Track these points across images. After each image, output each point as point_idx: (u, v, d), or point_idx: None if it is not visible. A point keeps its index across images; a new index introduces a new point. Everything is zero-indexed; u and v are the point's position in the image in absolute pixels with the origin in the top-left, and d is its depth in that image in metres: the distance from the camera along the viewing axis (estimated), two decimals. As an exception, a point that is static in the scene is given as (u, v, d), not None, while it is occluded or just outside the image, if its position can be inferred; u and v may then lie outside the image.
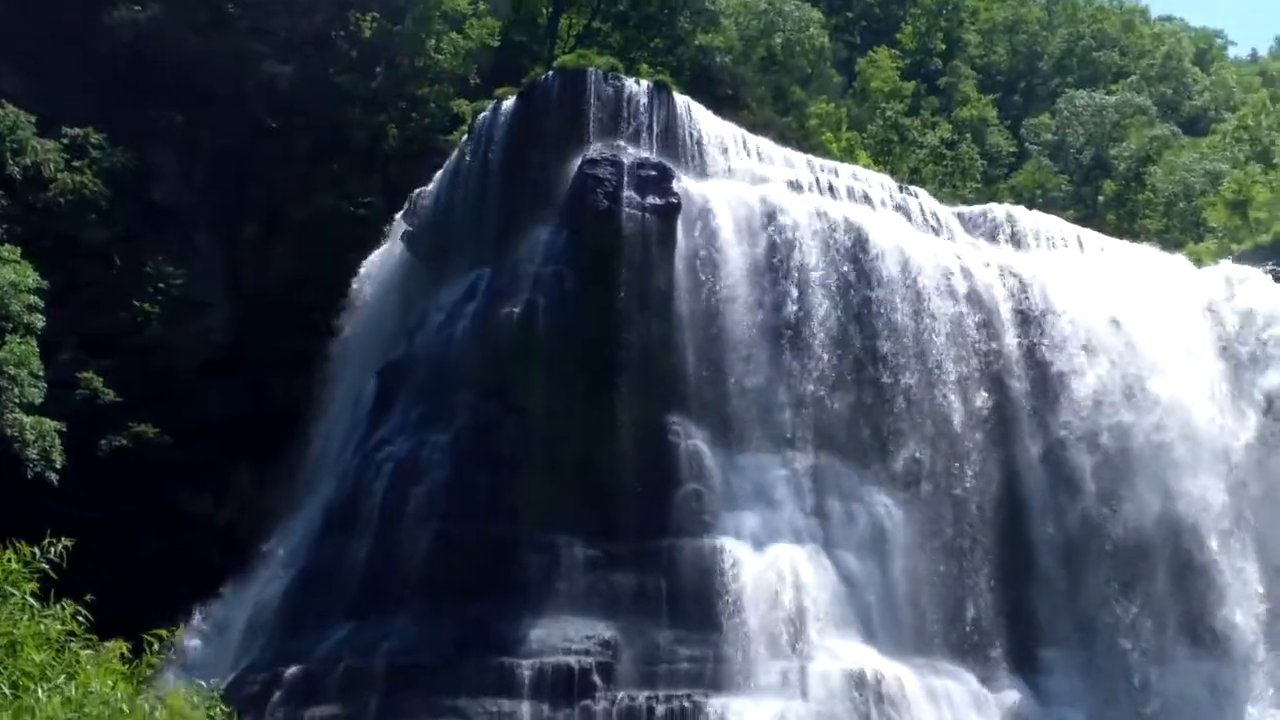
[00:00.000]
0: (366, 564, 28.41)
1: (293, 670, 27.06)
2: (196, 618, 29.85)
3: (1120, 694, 29.78)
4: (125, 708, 11.62)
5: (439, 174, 35.37)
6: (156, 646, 12.53)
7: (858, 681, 27.12)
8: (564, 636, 27.22)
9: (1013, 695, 29.06)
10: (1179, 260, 38.59)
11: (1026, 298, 33.79)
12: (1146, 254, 38.63)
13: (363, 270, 35.93)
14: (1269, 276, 36.04)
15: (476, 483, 28.98)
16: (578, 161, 31.92)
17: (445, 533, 28.36)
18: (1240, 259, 38.61)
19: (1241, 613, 30.68)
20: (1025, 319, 33.42)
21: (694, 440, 30.23)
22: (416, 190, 35.65)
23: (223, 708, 12.98)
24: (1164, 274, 36.75)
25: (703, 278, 31.63)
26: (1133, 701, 29.69)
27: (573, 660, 26.78)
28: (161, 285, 36.64)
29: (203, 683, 13.23)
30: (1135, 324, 33.92)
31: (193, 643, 29.14)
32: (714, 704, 26.34)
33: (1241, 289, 35.57)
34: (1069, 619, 30.53)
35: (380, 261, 35.89)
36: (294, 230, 37.79)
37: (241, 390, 35.27)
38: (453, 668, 26.35)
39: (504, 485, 28.94)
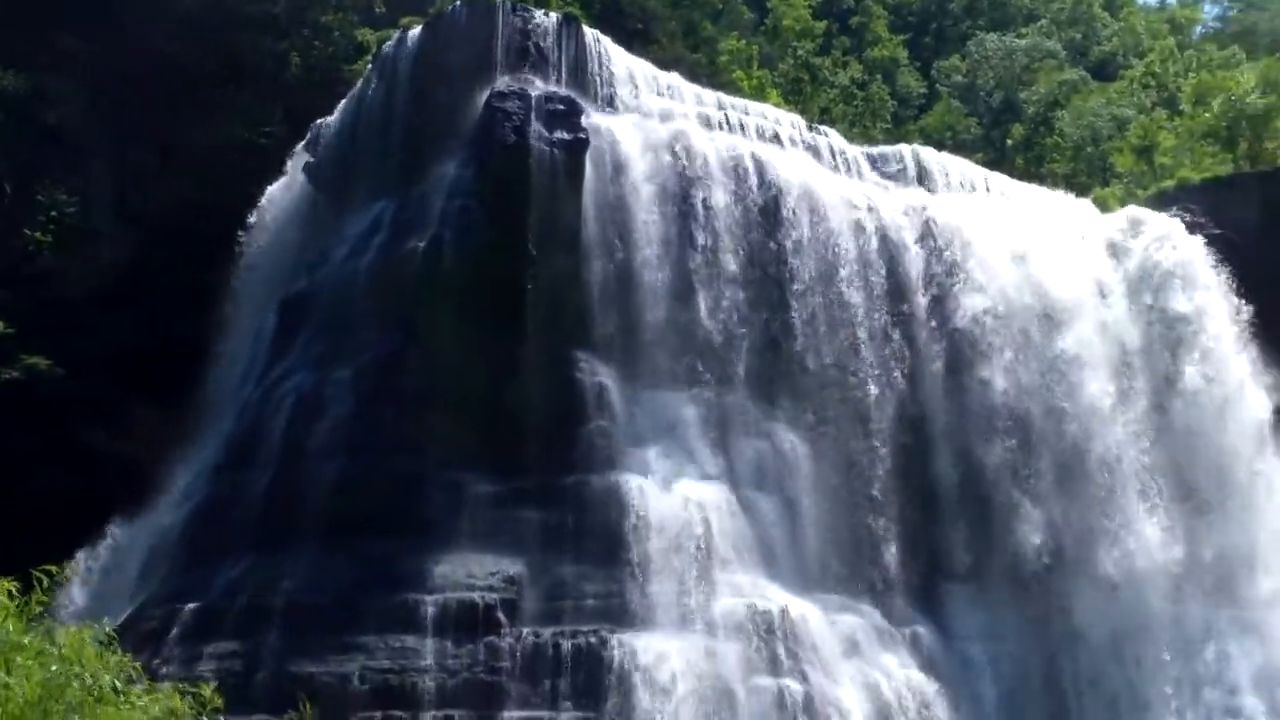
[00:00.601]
0: (266, 499, 28.16)
1: (190, 606, 26.80)
2: (92, 553, 29.48)
3: (1021, 628, 30.34)
4: (18, 641, 11.44)
5: (342, 104, 34.92)
6: (46, 583, 12.32)
7: (762, 617, 27.38)
8: (468, 573, 27.19)
9: (916, 630, 29.54)
10: (1085, 204, 39.14)
11: (933, 238, 34.10)
12: (1053, 197, 39.15)
13: (263, 201, 35.42)
14: (1173, 221, 36.66)
15: (379, 418, 28.77)
16: (485, 94, 31.64)
17: (347, 469, 28.15)
18: (1145, 204, 39.19)
19: (1145, 544, 31.31)
20: (932, 259, 33.73)
21: (600, 377, 30.25)
22: (319, 120, 35.15)
23: (118, 644, 12.79)
24: (1070, 217, 37.29)
25: (611, 214, 31.54)
26: (1033, 635, 30.26)
27: (477, 596, 26.75)
28: (54, 213, 35.88)
29: (96, 621, 12.99)
30: (1041, 265, 34.39)
31: (88, 579, 28.80)
32: (619, 640, 26.45)
33: (1146, 233, 36.14)
34: (973, 554, 31.02)
35: (281, 193, 35.40)
36: (193, 159, 37.14)
37: (138, 322, 34.70)
38: (354, 604, 26.23)
39: (408, 421, 28.75)
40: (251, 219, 35.20)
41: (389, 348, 29.65)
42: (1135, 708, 30.25)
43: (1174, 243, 35.92)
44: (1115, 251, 35.64)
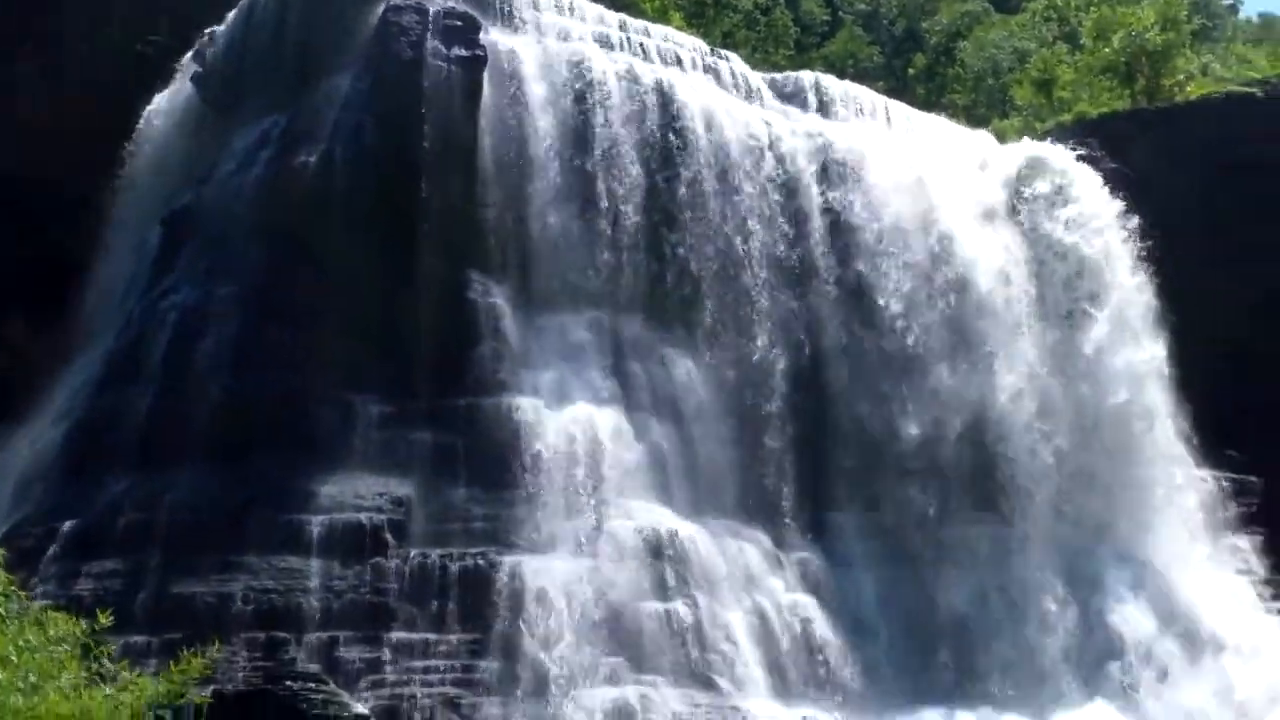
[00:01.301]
0: (149, 416, 27.80)
1: (70, 524, 26.48)
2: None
3: (907, 557, 30.93)
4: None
5: (232, 13, 34.18)
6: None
7: (652, 541, 27.67)
8: (356, 494, 27.13)
9: (804, 556, 29.99)
10: (983, 135, 39.55)
11: (832, 165, 34.29)
12: (952, 128, 39.51)
13: (148, 112, 34.66)
14: (1070, 155, 37.19)
15: (266, 336, 28.49)
16: (380, 7, 31.22)
17: (233, 387, 27.88)
18: (1043, 137, 39.71)
19: (1031, 480, 32.00)
20: (831, 186, 33.94)
21: (494, 298, 30.20)
22: (208, 30, 34.44)
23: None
24: (968, 148, 37.66)
25: (508, 134, 31.34)
26: (918, 564, 30.88)
27: (364, 518, 26.69)
28: (-74, 119, 34.88)
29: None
30: (939, 196, 34.74)
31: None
32: (508, 562, 26.61)
33: (1042, 166, 36.63)
34: (862, 484, 31.51)
35: (168, 103, 34.63)
36: (75, 66, 36.18)
37: (15, 233, 33.91)
38: (239, 523, 26.09)
39: (296, 340, 28.50)
40: (137, 129, 34.47)
41: (277, 264, 29.31)
42: (1017, 639, 30.95)
43: (1070, 176, 36.45)
44: (1011, 183, 36.08)
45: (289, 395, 27.91)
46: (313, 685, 23.59)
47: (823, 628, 28.66)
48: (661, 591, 27.41)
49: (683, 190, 32.37)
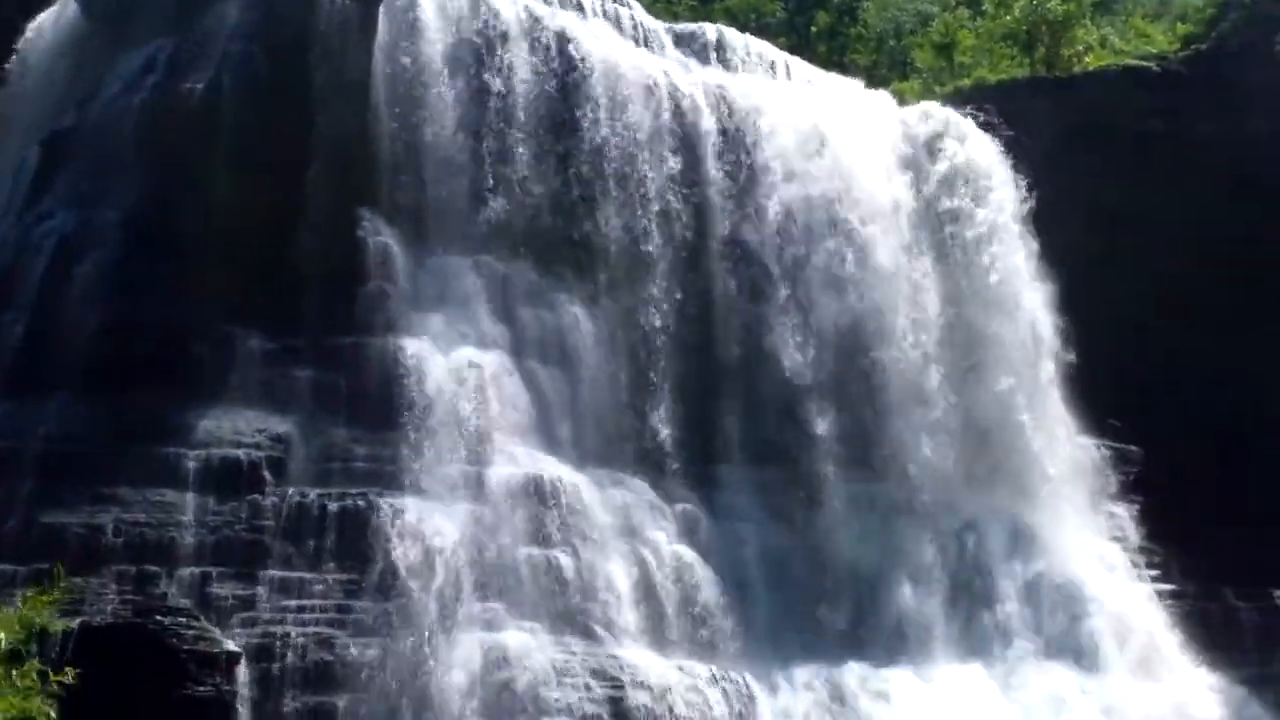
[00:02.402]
0: (23, 342, 27.43)
1: (-63, 451, 26.20)
2: None
3: (791, 512, 31.48)
4: None
5: (120, -68, 33.65)
6: None
7: (535, 488, 27.93)
8: (235, 429, 27.05)
9: (688, 508, 30.41)
10: (883, 96, 40.08)
11: (731, 118, 34.61)
12: (852, 87, 39.98)
13: (30, 31, 34.07)
14: (967, 119, 37.87)
15: (147, 265, 28.20)
16: (271, -68, 30.96)
17: (111, 316, 27.57)
18: (942, 101, 40.30)
19: (914, 433, 32.68)
20: (728, 139, 34.26)
21: (384, 238, 30.17)
22: (94, -53, 33.86)
23: None
24: (867, 108, 38.18)
25: (403, 71, 31.27)
26: (802, 519, 31.44)
27: (242, 454, 26.63)
28: None
29: None
30: (837, 153, 35.21)
31: None
32: (388, 504, 26.70)
33: (940, 129, 37.26)
34: (748, 437, 31.96)
35: (51, 22, 34.08)
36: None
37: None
38: (113, 455, 25.87)
39: (177, 270, 28.22)
40: (17, 48, 33.87)
41: (160, 192, 29.00)
42: (897, 598, 31.66)
43: (967, 141, 37.13)
44: (909, 144, 36.66)
45: (168, 327, 27.68)
46: (184, 620, 23.54)
47: (704, 580, 29.08)
48: (543, 538, 27.69)
49: (579, 136, 32.52)
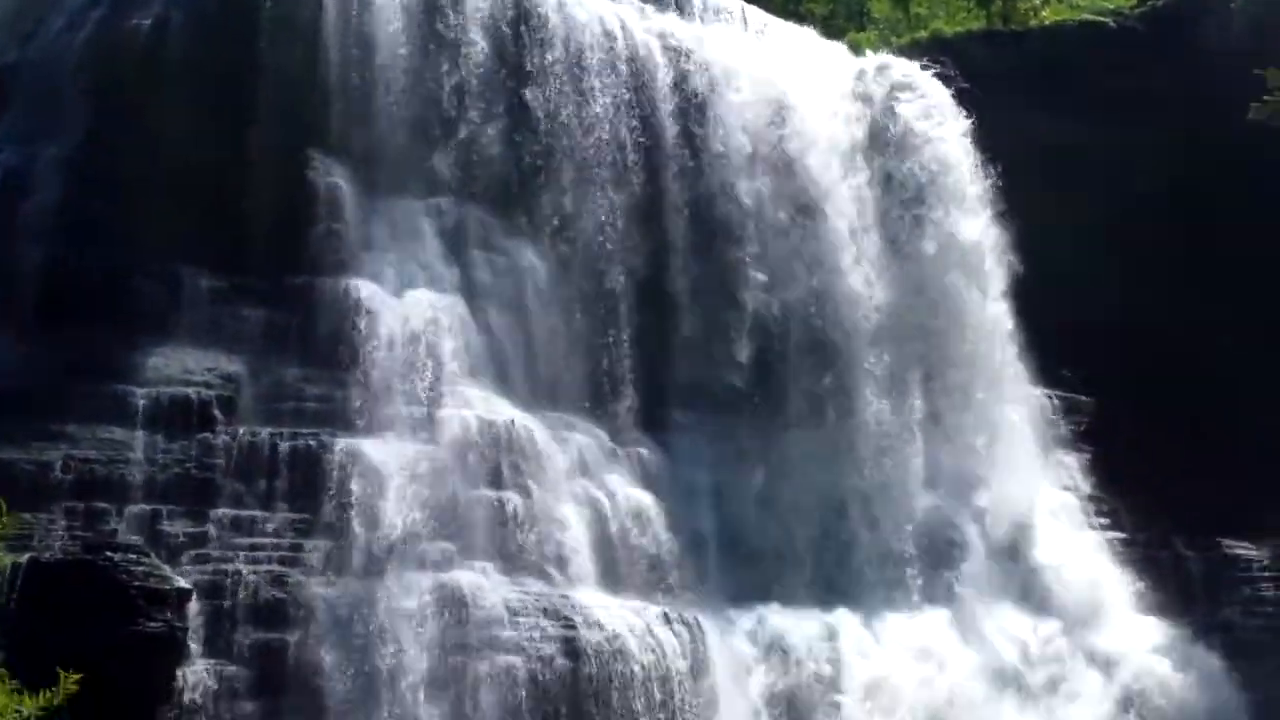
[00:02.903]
0: (-34, 280, 27.37)
1: (-120, 389, 26.00)
2: None
3: (746, 457, 31.72)
4: None
5: None
6: None
7: (488, 429, 27.99)
8: (184, 368, 27.01)
9: (642, 452, 30.60)
10: (838, 46, 40.26)
11: (687, 66, 34.68)
12: (807, 36, 40.13)
13: (-28, -35, 33.79)
14: (924, 72, 38.10)
15: (93, 203, 28.06)
16: None
17: (56, 253, 27.39)
18: (899, 52, 40.52)
19: (869, 382, 32.98)
20: (683, 86, 34.33)
21: (334, 178, 30.09)
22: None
23: None
24: (822, 58, 38.35)
25: (354, 11, 31.13)
26: (756, 465, 31.70)
27: (192, 392, 26.62)
28: None
29: None
30: (792, 102, 35.37)
31: None
32: (340, 444, 26.72)
33: (896, 81, 37.46)
34: (702, 382, 32.16)
35: (-7, -44, 33.82)
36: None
37: None
38: (61, 392, 25.72)
39: (123, 209, 28.03)
40: (-43, -17, 33.58)
41: (106, 130, 28.82)
42: (849, 544, 32.03)
43: (923, 93, 37.37)
44: (864, 96, 36.86)
45: (115, 265, 27.54)
46: (134, 557, 23.49)
47: (657, 523, 29.26)
48: (495, 480, 27.75)
49: (534, 81, 32.51)
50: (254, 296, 28.42)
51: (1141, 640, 33.13)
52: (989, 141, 36.59)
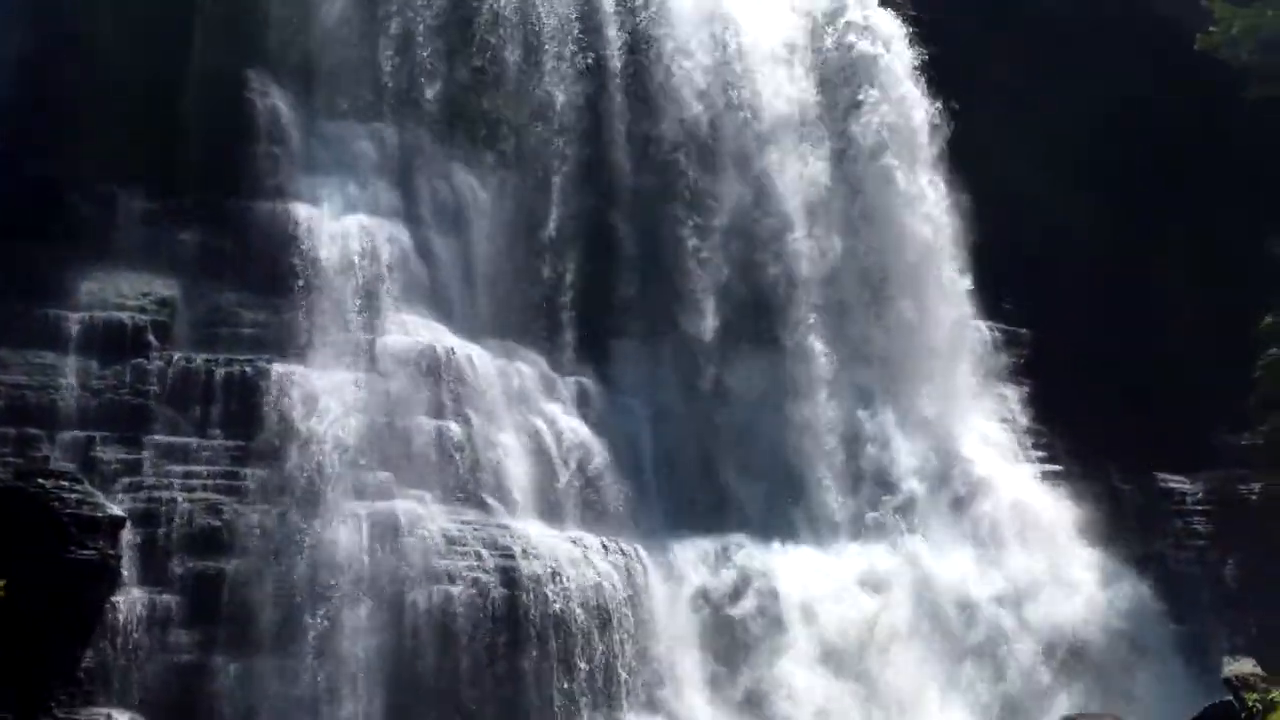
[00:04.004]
0: (-103, 198, 26.87)
1: None
2: None
3: (685, 387, 31.74)
4: None
5: None
6: None
7: (428, 357, 27.89)
8: (118, 291, 26.73)
9: (582, 381, 30.58)
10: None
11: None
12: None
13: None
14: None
15: (26, 123, 27.63)
16: None
17: (-11, 169, 27.08)
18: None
19: (811, 311, 32.99)
20: (630, 13, 33.86)
21: (274, 100, 29.74)
22: None
23: None
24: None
25: (295, -72, 30.66)
26: (696, 395, 31.74)
27: (126, 317, 26.38)
28: None
29: None
30: (737, 30, 34.98)
31: None
32: (277, 371, 26.59)
33: (841, 7, 37.10)
34: (643, 311, 32.08)
35: None
36: None
37: None
38: (-9, 316, 25.54)
39: (57, 127, 27.65)
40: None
41: (41, 46, 28.36)
42: (790, 474, 32.15)
43: (869, 21, 37.05)
44: (809, 24, 36.47)
45: (48, 184, 27.18)
46: (66, 484, 23.38)
47: (595, 452, 29.33)
48: (435, 408, 27.72)
49: (479, 5, 32.10)
50: (190, 219, 28.14)
51: (1073, 570, 33.51)
52: (937, 69, 36.32)
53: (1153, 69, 38.66)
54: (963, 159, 35.65)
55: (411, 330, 28.47)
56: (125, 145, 27.77)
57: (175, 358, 26.42)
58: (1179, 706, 27.01)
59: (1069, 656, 32.17)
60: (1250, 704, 14.46)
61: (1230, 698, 14.90)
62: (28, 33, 28.47)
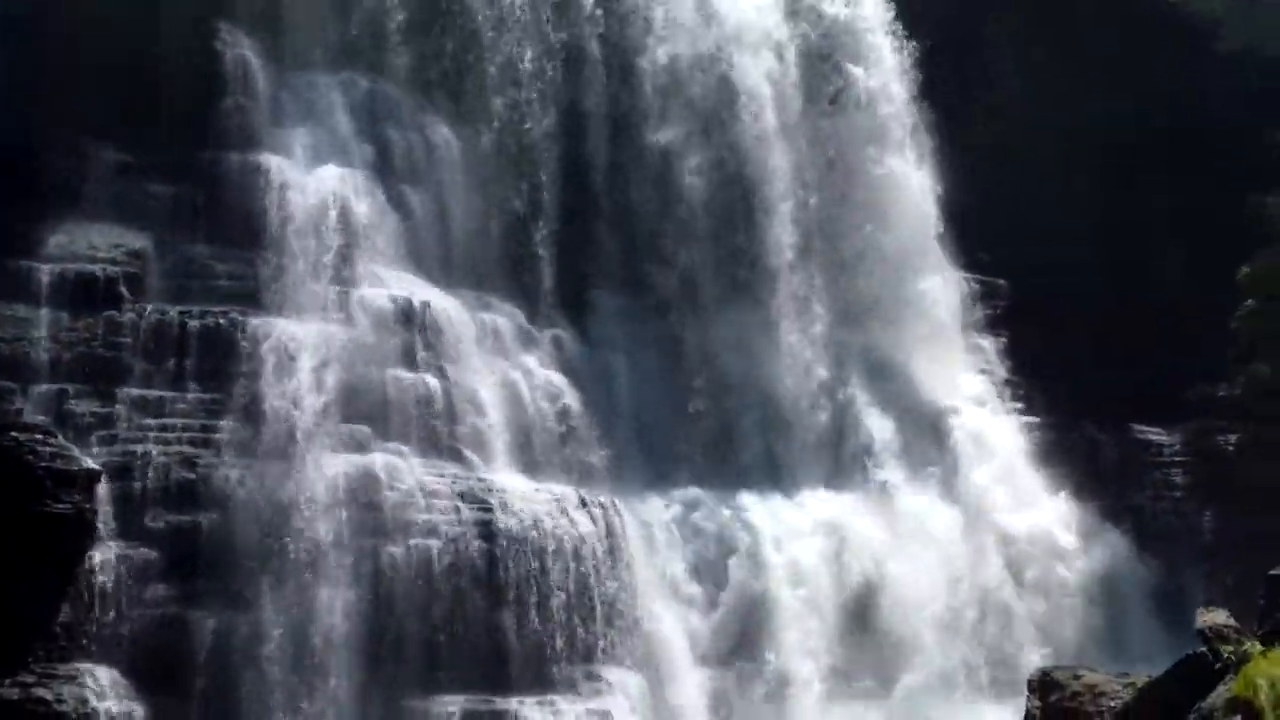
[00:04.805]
0: None
1: None
2: None
3: (663, 340, 31.85)
4: None
5: None
6: None
7: (403, 309, 27.93)
8: (89, 244, 26.66)
9: (559, 334, 30.71)
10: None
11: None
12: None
13: None
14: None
15: (-2, 73, 27.50)
16: None
17: (-43, 122, 26.93)
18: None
19: (786, 263, 33.08)
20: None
21: (243, 50, 29.63)
22: None
23: None
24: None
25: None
26: (674, 348, 31.86)
27: (98, 269, 26.32)
28: None
29: None
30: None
31: None
32: (252, 324, 26.57)
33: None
34: (620, 264, 32.17)
35: None
36: None
37: None
38: (-38, 268, 25.47)
39: (27, 78, 27.41)
40: None
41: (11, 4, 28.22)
42: (767, 426, 32.29)
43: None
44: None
45: (17, 136, 26.97)
46: (40, 437, 23.37)
47: (573, 405, 29.43)
48: (410, 361, 27.75)
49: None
50: (161, 171, 28.04)
51: (1051, 521, 33.86)
52: (917, 28, 36.33)
53: (1131, 25, 38.77)
54: (936, 111, 35.71)
55: (386, 283, 28.50)
56: (95, 97, 27.59)
57: (148, 310, 26.38)
58: (1156, 658, 27.27)
59: (1045, 609, 32.54)
60: (1225, 655, 14.61)
61: (1204, 649, 15.10)
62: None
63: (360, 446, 26.47)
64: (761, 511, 30.39)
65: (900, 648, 30.21)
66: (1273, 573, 20.05)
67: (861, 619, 30.16)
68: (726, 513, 30.16)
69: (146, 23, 28.62)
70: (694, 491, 30.46)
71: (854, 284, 34.17)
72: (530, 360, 29.64)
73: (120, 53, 28.15)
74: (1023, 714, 18.39)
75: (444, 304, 28.68)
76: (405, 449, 26.88)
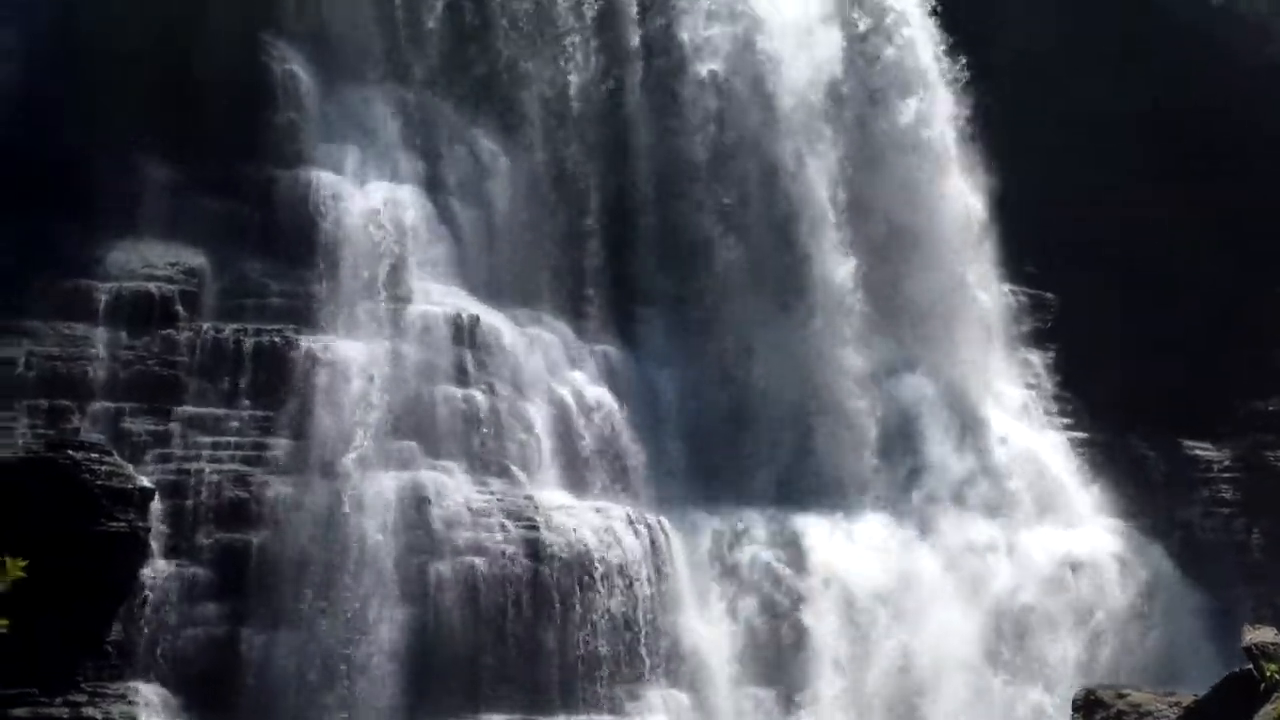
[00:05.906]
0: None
1: None
2: None
3: (711, 355, 32.19)
4: None
5: None
6: None
7: (453, 326, 28.47)
8: (145, 261, 27.29)
9: (607, 350, 31.09)
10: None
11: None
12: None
13: None
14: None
15: (49, 91, 28.06)
16: None
17: (11, 141, 27.40)
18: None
19: (838, 279, 33.36)
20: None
21: (292, 65, 30.16)
22: None
23: None
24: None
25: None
26: (722, 364, 32.18)
27: (154, 287, 26.97)
28: None
29: None
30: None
31: None
32: (306, 341, 27.19)
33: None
34: (669, 279, 32.53)
35: None
36: None
37: None
38: (19, 288, 26.01)
39: (81, 95, 28.08)
40: None
41: (61, 12, 28.80)
42: (819, 444, 32.57)
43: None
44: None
45: (73, 154, 27.56)
46: (96, 456, 24.01)
47: (621, 422, 29.85)
48: (460, 377, 28.29)
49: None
50: (213, 187, 28.56)
51: (1098, 539, 34.08)
52: (960, 34, 36.44)
53: (1186, 36, 38.79)
54: (987, 128, 35.90)
55: (436, 299, 29.01)
56: (148, 115, 28.18)
57: (204, 328, 27.03)
58: (1202, 676, 27.55)
59: (1092, 626, 32.78)
60: (1269, 674, 14.88)
61: (1250, 666, 15.39)
62: (48, 5, 28.85)
63: (409, 464, 27.03)
64: (812, 533, 30.65)
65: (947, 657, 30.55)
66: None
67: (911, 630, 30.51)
68: (774, 532, 30.45)
69: (192, 38, 29.12)
70: (742, 509, 30.74)
71: (902, 299, 34.39)
72: (578, 376, 30.08)
73: (169, 69, 28.66)
74: (1067, 733, 18.66)
75: (493, 320, 29.19)
76: (453, 466, 27.41)
